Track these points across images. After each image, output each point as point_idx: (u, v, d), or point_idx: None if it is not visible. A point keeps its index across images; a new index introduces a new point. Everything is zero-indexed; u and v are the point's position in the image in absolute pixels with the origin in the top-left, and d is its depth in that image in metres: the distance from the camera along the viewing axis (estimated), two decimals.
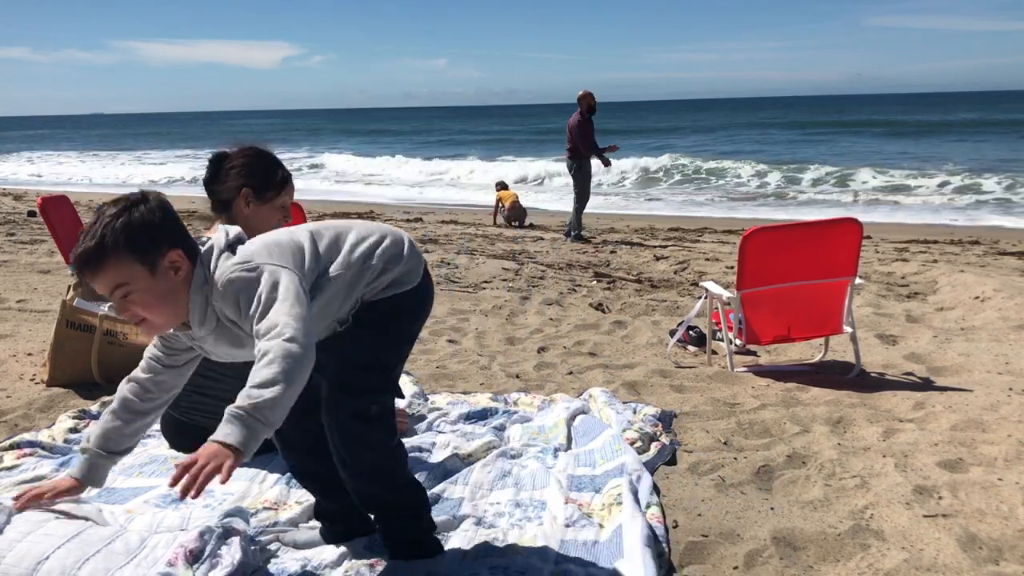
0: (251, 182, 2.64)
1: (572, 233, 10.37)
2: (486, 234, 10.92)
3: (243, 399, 1.63)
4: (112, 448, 2.03)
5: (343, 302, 1.96)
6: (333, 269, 1.92)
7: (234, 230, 1.95)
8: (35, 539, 1.86)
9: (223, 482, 1.55)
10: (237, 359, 1.99)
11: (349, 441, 2.02)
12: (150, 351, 2.06)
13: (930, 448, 3.02)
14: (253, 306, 1.76)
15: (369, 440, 2.02)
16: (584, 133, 10.13)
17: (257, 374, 1.65)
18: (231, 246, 1.89)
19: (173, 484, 1.55)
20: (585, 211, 10.49)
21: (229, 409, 1.62)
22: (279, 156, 2.81)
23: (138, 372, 2.05)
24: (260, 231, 2.57)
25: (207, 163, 2.70)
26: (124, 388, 2.03)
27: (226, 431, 1.60)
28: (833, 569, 2.21)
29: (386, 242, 2.02)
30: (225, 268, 1.81)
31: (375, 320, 2.00)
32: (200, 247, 1.87)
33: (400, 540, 2.17)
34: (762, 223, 4.23)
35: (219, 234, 1.92)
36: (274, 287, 1.76)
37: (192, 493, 1.54)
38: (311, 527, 2.35)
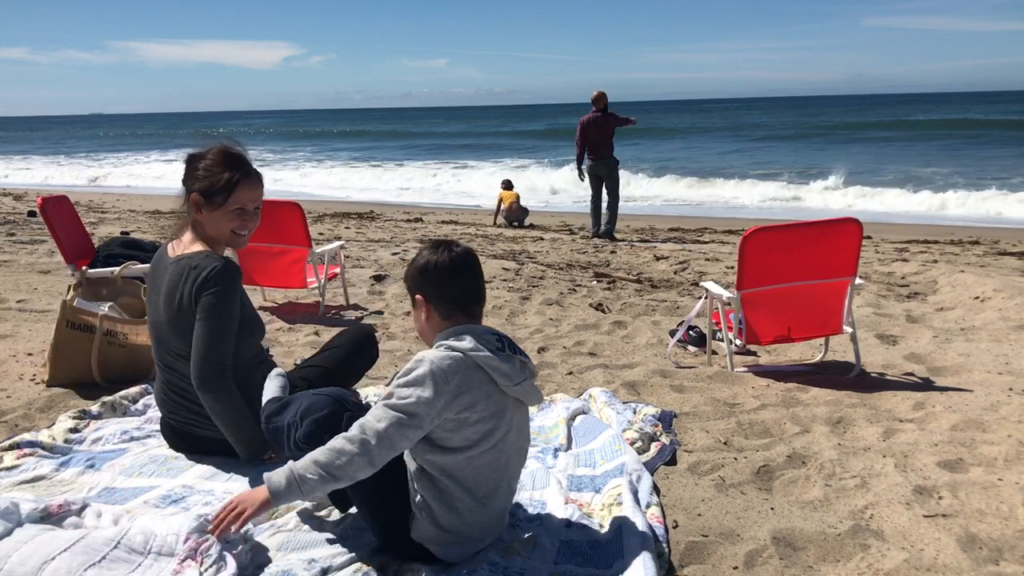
0: (199, 187, 2.64)
1: (603, 230, 10.56)
2: (486, 234, 10.92)
3: (306, 463, 1.96)
4: None
5: None
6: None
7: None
8: (42, 541, 1.87)
9: (236, 531, 2.03)
10: None
11: None
12: None
13: (930, 448, 3.02)
14: (401, 375, 2.03)
15: None
16: (608, 131, 10.40)
17: (334, 442, 1.97)
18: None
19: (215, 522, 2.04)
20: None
21: (292, 465, 1.98)
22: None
23: None
24: (214, 236, 2.69)
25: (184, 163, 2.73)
26: None
27: (273, 479, 1.99)
28: (833, 569, 2.21)
29: None
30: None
31: None
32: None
33: None
34: (763, 223, 4.23)
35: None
36: (416, 385, 1.99)
37: (217, 533, 2.01)
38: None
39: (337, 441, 1.97)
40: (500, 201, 12.82)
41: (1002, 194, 15.03)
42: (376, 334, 4.63)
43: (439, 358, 2.00)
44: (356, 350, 3.13)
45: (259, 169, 2.81)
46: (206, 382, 2.59)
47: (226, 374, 2.63)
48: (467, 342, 2.04)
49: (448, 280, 2.11)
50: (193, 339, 2.61)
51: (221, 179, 2.63)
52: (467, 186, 21.40)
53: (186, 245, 2.71)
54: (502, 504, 2.20)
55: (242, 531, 2.10)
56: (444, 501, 2.07)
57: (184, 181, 2.71)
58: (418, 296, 2.15)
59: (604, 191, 10.61)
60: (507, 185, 13.26)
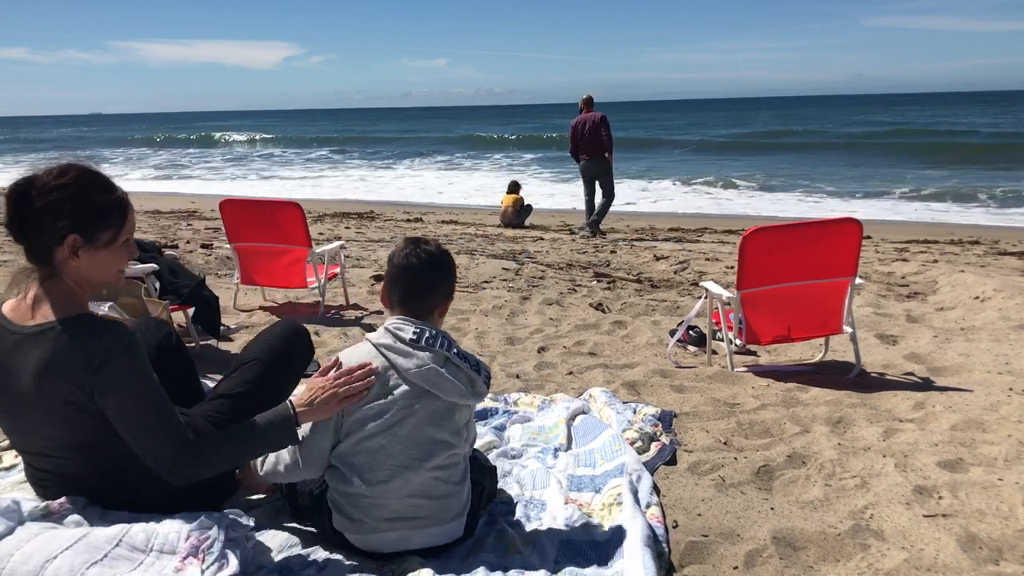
0: (77, 225, 1.91)
1: (592, 228, 10.81)
2: (486, 234, 10.93)
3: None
4: None
5: None
6: None
7: None
8: (44, 539, 1.87)
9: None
10: None
11: None
12: None
13: (930, 448, 3.03)
14: None
15: None
16: (608, 132, 10.59)
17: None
18: None
19: None
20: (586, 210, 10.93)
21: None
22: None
23: None
24: (96, 283, 2.01)
25: (5, 198, 1.93)
26: None
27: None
28: (833, 569, 2.22)
29: None
30: None
31: None
32: None
33: None
34: (763, 223, 4.23)
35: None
36: None
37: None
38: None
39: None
40: (502, 203, 12.90)
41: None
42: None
43: (351, 350, 2.25)
44: (280, 360, 2.44)
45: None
46: (181, 466, 1.96)
47: (190, 442, 1.97)
48: (377, 333, 2.23)
49: (401, 278, 2.26)
50: (126, 429, 1.94)
51: (106, 207, 1.95)
52: (467, 186, 21.42)
53: (38, 303, 1.96)
54: (402, 490, 2.11)
55: (243, 529, 2.10)
56: (341, 486, 2.13)
57: (31, 221, 1.90)
58: (383, 280, 2.36)
59: (599, 189, 10.90)
60: (509, 188, 13.28)
